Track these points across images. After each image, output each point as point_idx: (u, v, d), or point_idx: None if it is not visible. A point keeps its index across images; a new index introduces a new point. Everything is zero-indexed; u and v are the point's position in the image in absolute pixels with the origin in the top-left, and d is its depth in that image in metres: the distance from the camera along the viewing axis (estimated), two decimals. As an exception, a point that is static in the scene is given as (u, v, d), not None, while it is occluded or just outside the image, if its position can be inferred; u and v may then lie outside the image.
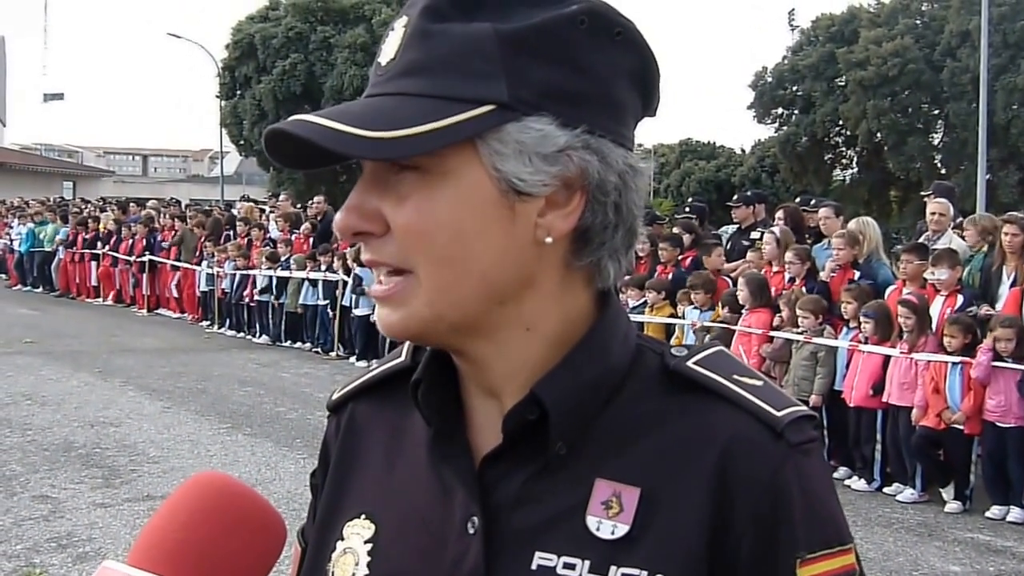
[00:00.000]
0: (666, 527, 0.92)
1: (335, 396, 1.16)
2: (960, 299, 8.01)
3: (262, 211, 18.94)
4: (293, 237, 15.70)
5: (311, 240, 15.38)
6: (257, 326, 15.85)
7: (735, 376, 0.98)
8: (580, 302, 0.99)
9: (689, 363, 0.98)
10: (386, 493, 1.05)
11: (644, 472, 0.94)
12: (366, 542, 1.03)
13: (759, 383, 0.98)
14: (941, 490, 7.72)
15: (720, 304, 9.48)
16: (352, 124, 0.88)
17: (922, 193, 10.47)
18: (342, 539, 1.05)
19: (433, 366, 1.01)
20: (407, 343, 1.07)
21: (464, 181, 0.91)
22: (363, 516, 1.05)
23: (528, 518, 0.95)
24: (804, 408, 0.97)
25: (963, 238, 8.98)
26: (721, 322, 9.29)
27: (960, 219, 10.09)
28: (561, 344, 0.97)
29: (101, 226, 21.02)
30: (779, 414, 0.94)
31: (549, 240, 0.93)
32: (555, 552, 0.93)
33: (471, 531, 0.96)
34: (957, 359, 7.48)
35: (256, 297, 15.60)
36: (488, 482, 0.97)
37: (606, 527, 0.93)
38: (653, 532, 0.92)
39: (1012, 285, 7.93)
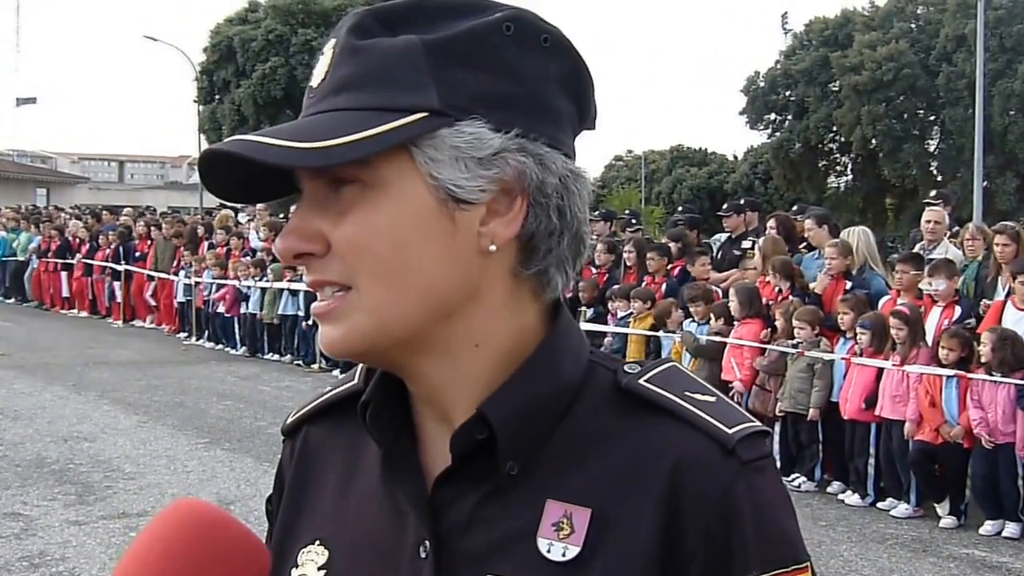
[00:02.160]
0: (617, 548, 0.92)
1: (289, 420, 1.15)
2: (958, 310, 7.91)
3: (238, 222, 18.60)
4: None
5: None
6: (237, 337, 15.55)
7: (687, 393, 0.97)
8: (529, 316, 0.98)
9: (641, 380, 0.97)
10: (340, 518, 1.04)
11: (595, 492, 0.93)
12: (319, 568, 1.03)
13: (712, 399, 0.97)
14: (936, 505, 7.63)
15: (713, 315, 9.36)
16: (282, 138, 0.89)
17: (926, 200, 10.34)
18: (296, 566, 1.04)
19: (382, 386, 1.00)
20: (360, 365, 1.06)
21: (402, 191, 0.91)
22: (317, 542, 1.04)
23: (479, 540, 0.95)
24: (757, 424, 0.96)
25: (959, 247, 8.87)
26: (715, 333, 9.19)
27: (956, 228, 10.00)
28: (510, 361, 0.97)
29: (69, 233, 20.70)
30: (730, 431, 0.93)
31: (493, 248, 0.93)
32: (506, 575, 0.93)
33: (423, 555, 0.95)
34: (951, 372, 7.36)
35: (243, 311, 15.27)
36: (440, 504, 0.96)
37: (557, 549, 0.92)
38: (604, 553, 0.92)
39: (1007, 295, 7.79)
